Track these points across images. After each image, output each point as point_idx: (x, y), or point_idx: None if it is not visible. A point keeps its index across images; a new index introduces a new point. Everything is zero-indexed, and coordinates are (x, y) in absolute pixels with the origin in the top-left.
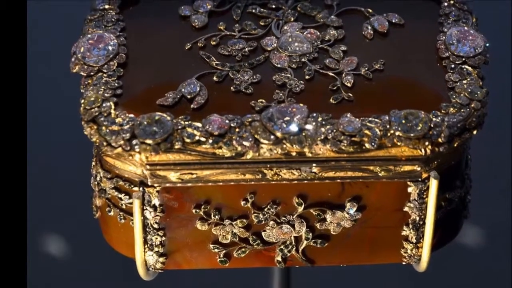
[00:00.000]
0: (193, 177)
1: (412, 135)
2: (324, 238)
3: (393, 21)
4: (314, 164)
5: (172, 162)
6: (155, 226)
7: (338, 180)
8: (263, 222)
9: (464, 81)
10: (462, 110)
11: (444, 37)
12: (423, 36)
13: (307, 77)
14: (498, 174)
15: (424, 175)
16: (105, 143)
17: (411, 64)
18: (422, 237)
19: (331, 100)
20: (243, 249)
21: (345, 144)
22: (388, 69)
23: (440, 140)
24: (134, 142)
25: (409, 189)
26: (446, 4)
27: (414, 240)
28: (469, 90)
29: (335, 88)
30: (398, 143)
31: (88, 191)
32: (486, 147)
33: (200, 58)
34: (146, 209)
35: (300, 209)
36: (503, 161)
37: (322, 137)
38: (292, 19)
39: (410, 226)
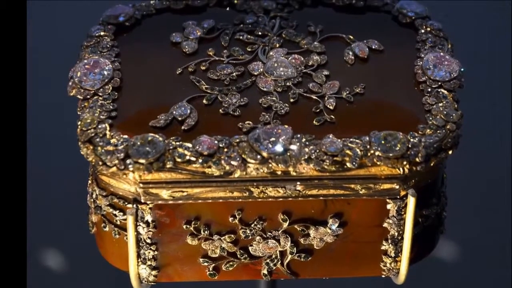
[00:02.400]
0: (184, 195)
1: (391, 155)
2: (307, 252)
3: (373, 47)
4: (298, 183)
5: (164, 181)
6: (148, 241)
7: (321, 198)
8: (250, 237)
9: (440, 104)
10: (438, 131)
11: (421, 62)
12: (401, 61)
13: (291, 100)
14: (472, 192)
15: (402, 193)
16: (100, 163)
17: (390, 87)
18: (400, 251)
19: (314, 122)
20: (231, 263)
21: (328, 164)
22: (368, 93)
23: (417, 159)
24: (128, 161)
25: (388, 206)
26: (423, 31)
27: (393, 254)
28: (445, 112)
29: (318, 110)
30: (378, 163)
31: (85, 208)
32: (461, 166)
33: (191, 82)
34: (140, 225)
35: (285, 225)
36: (477, 180)
37: (306, 157)
38: (277, 45)
39: (389, 241)
